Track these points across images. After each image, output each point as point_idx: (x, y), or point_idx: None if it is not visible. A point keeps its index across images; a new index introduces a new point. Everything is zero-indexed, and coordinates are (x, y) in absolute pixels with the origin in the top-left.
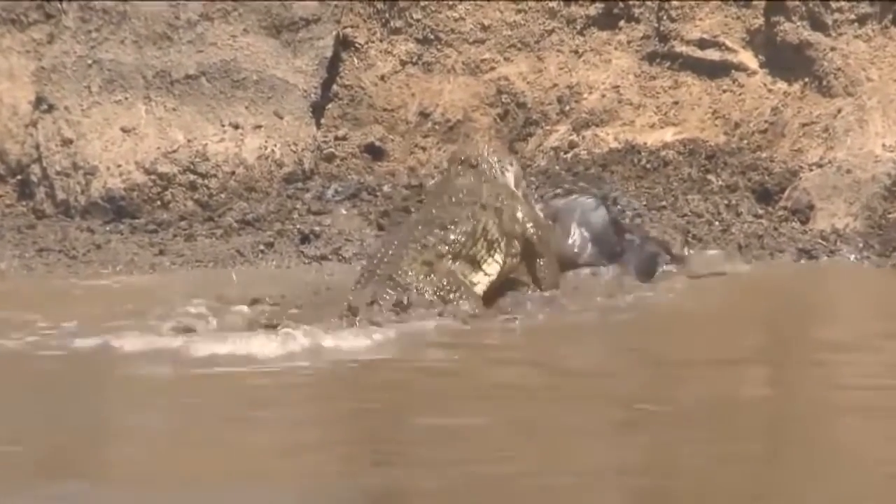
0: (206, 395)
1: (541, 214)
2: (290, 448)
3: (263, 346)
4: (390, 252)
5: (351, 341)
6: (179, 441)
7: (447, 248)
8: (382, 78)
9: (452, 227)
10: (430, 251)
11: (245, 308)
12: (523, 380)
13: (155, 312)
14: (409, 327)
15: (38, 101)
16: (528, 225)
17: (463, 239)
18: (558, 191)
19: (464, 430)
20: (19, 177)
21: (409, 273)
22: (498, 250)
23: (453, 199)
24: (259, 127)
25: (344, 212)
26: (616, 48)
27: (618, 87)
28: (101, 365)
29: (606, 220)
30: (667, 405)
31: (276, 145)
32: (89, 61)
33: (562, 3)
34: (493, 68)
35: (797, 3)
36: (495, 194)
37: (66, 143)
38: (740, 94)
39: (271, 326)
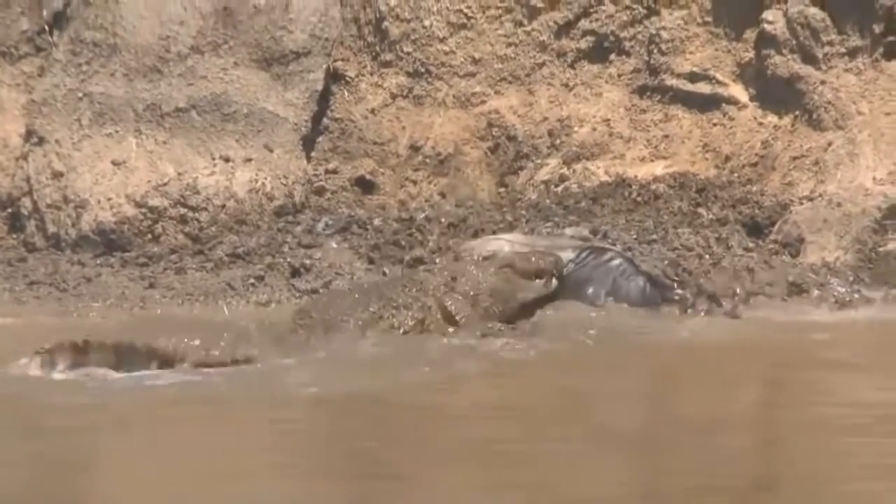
0: None
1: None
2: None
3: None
4: (337, 312)
5: None
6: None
7: (396, 322)
8: (373, 111)
9: (405, 310)
10: (377, 321)
11: None
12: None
13: None
14: None
15: (29, 134)
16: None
17: (411, 323)
18: (567, 232)
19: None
20: (9, 210)
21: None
22: None
23: (413, 290)
24: (249, 160)
25: (335, 245)
26: (607, 81)
27: (608, 120)
28: None
29: (643, 290)
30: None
31: (266, 178)
32: (80, 94)
33: (552, 36)
34: (483, 101)
35: (788, 36)
36: (441, 300)
37: (57, 176)
38: (731, 128)
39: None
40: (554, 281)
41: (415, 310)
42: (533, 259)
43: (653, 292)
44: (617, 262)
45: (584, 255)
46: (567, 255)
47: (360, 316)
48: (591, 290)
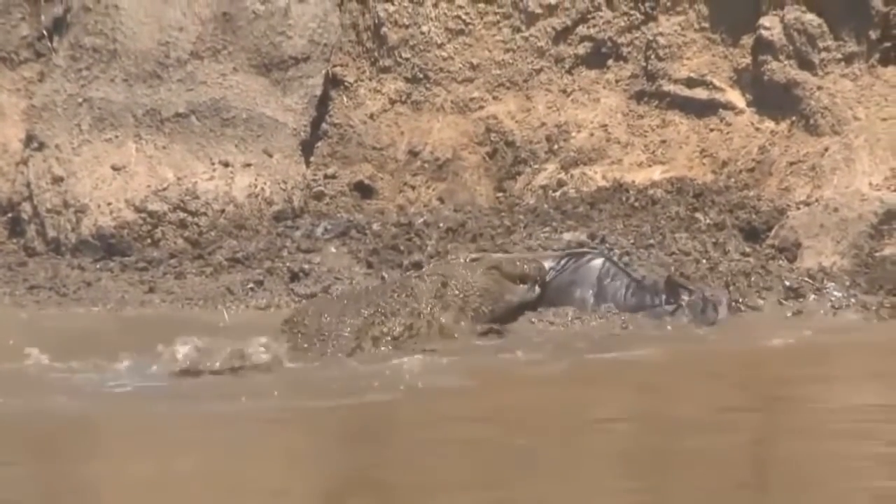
0: None
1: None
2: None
3: None
4: (330, 319)
5: None
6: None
7: (385, 328)
8: (372, 116)
9: (392, 317)
10: (367, 327)
11: None
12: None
13: None
14: None
15: (29, 139)
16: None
17: (400, 329)
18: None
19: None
20: (10, 214)
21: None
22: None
23: (402, 296)
24: (249, 165)
25: (333, 250)
26: (604, 87)
27: (606, 125)
28: None
29: (628, 287)
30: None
31: (265, 183)
32: (80, 99)
33: (550, 42)
34: (481, 107)
35: (784, 42)
36: (431, 308)
37: (57, 180)
38: (728, 133)
39: None
40: (537, 288)
41: (403, 315)
42: (518, 263)
43: (638, 292)
44: (598, 262)
45: (563, 261)
46: (548, 264)
47: (352, 322)
48: (577, 293)
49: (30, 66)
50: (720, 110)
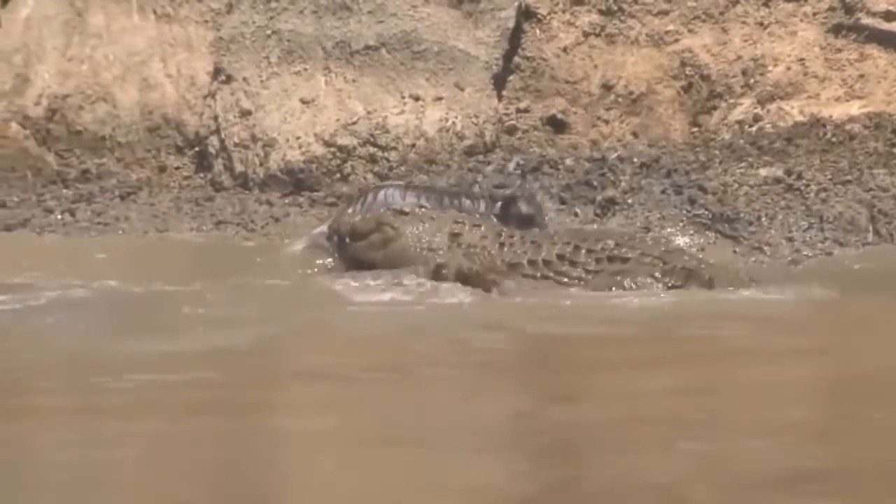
0: None
1: None
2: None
3: None
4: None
5: None
6: None
7: None
8: (565, 49)
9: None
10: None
11: None
12: None
13: None
14: None
15: (217, 71)
16: None
17: None
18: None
19: None
20: (197, 148)
21: None
22: None
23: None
24: (440, 99)
25: (526, 185)
26: (801, 20)
27: (803, 59)
28: None
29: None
30: None
31: (456, 117)
32: (268, 31)
33: None
34: (676, 40)
35: None
36: None
37: (245, 114)
38: None
39: None
40: None
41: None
42: None
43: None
44: (381, 194)
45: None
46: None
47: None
48: None
49: None
50: None
